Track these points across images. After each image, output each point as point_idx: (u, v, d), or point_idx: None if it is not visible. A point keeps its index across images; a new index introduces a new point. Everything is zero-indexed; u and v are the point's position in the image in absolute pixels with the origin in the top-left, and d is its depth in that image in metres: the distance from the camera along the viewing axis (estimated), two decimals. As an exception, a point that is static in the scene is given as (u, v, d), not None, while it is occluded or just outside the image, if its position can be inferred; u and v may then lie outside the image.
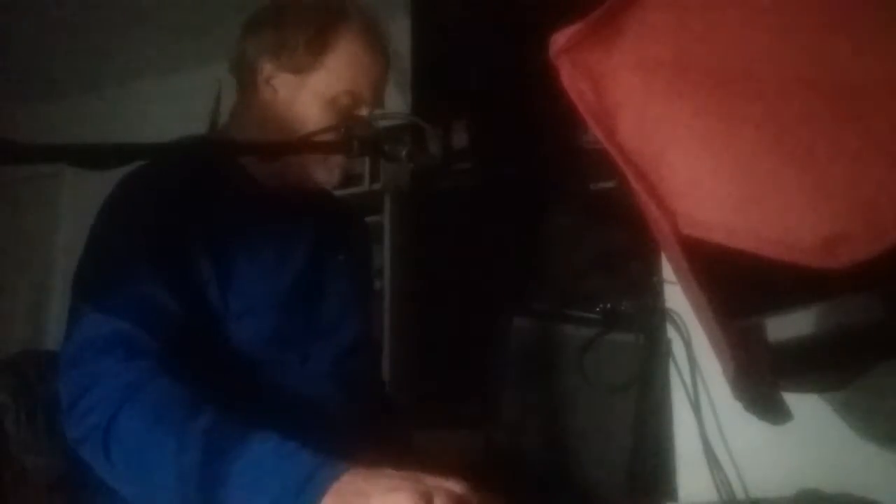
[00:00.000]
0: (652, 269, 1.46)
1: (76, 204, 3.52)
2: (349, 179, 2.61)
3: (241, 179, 1.12)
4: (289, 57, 1.11)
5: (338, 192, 1.79)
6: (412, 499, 0.74)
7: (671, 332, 1.43)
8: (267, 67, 1.12)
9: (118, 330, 0.93)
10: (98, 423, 0.88)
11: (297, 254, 1.13)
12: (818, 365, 0.91)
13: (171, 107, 3.26)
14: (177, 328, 0.96)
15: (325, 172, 1.13)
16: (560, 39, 0.81)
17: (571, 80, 0.81)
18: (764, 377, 0.81)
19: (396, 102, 2.63)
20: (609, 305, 1.54)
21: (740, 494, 1.29)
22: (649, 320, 1.45)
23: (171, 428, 0.86)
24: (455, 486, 0.77)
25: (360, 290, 1.24)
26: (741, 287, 0.78)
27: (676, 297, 1.39)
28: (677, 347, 1.41)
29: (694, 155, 0.75)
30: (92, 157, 0.74)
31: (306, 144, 1.04)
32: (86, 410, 0.89)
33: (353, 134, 0.99)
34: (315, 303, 1.14)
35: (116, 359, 0.91)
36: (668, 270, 1.41)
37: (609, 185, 1.55)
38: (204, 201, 1.05)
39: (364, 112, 1.10)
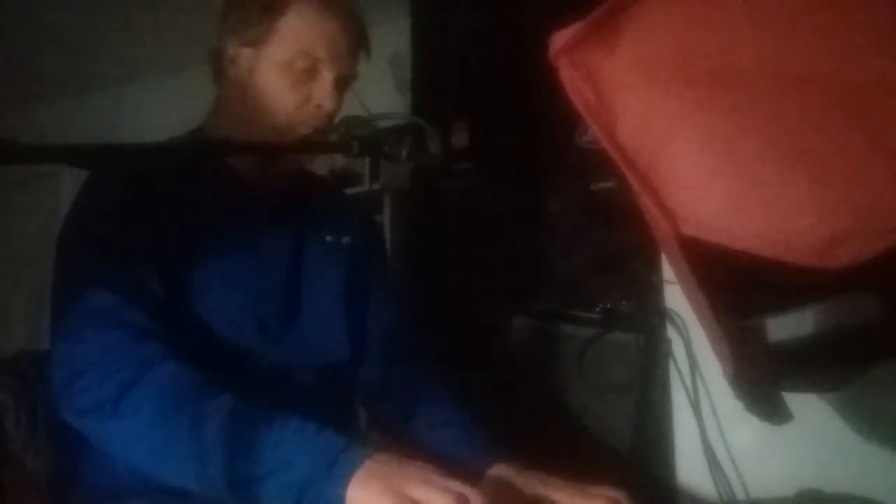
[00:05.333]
0: (652, 269, 1.46)
1: (76, 204, 3.52)
2: (349, 179, 2.61)
3: (222, 177, 1.11)
4: (245, 30, 1.10)
5: (338, 192, 1.77)
6: (450, 500, 0.74)
7: (671, 332, 1.43)
8: (230, 47, 1.12)
9: (121, 308, 0.93)
10: (107, 397, 0.87)
11: (273, 247, 1.12)
12: (818, 365, 0.91)
13: (170, 107, 3.25)
14: (164, 314, 0.96)
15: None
16: (560, 39, 0.81)
17: (571, 79, 0.81)
18: (764, 377, 0.81)
19: (396, 102, 2.62)
20: (609, 305, 1.54)
21: (740, 494, 1.29)
22: (649, 320, 1.45)
23: (191, 404, 0.85)
24: (479, 496, 0.77)
25: (353, 272, 1.20)
26: (741, 287, 0.78)
27: (676, 297, 1.39)
28: (677, 347, 1.41)
29: (694, 155, 0.75)
30: (92, 157, 0.74)
31: (306, 144, 1.04)
32: (92, 382, 0.89)
33: (353, 134, 0.99)
34: (294, 289, 1.12)
35: (125, 335, 0.91)
36: (668, 270, 1.41)
37: (609, 185, 1.55)
38: (166, 200, 1.04)
39: (326, 75, 1.08)
